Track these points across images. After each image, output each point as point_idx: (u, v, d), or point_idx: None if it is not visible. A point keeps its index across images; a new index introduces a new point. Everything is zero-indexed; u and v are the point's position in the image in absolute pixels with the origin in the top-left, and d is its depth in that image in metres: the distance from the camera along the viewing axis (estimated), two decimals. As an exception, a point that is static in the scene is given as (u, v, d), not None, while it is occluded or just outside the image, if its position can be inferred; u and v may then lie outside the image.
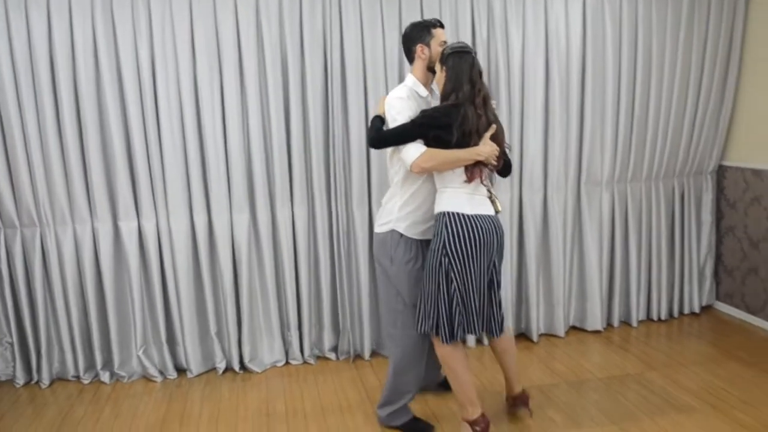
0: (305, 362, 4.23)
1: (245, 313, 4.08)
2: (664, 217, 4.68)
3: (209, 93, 3.84)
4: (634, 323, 4.67)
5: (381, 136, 3.06)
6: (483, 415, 3.15)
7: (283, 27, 3.88)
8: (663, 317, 4.76)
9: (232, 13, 3.80)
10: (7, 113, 3.69)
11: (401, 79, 4.00)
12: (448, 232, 2.95)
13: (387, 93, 3.80)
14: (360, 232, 4.10)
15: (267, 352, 4.18)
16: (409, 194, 3.14)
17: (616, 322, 4.66)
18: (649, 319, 4.77)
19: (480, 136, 2.96)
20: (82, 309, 3.98)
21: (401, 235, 3.14)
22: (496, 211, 3.06)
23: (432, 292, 3.00)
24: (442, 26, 3.23)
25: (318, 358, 4.28)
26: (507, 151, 3.19)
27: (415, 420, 3.39)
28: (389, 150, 3.17)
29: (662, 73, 4.43)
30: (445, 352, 3.08)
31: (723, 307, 4.92)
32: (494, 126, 3.02)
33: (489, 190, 3.08)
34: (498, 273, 3.08)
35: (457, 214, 2.96)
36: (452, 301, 2.97)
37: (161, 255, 3.97)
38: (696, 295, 4.87)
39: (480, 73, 3.00)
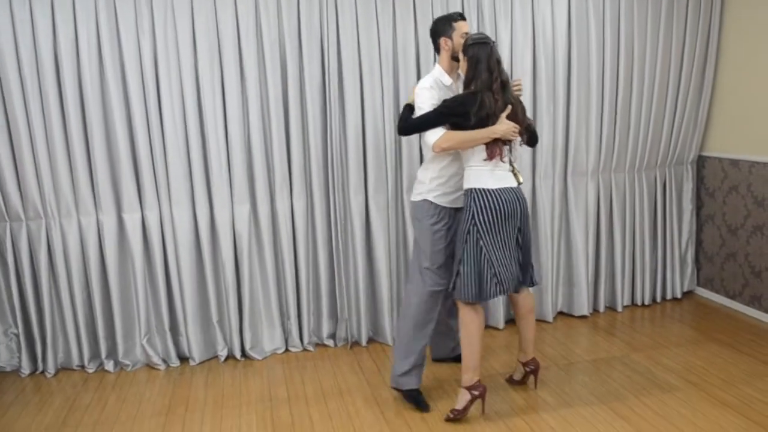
0: (304, 349, 4.37)
1: (246, 302, 4.21)
2: (647, 205, 4.86)
3: (210, 88, 3.95)
4: (620, 308, 4.86)
5: (407, 124, 3.43)
6: (480, 382, 3.39)
7: (281, 24, 3.99)
8: (647, 302, 4.96)
9: (232, 9, 3.91)
10: (12, 108, 3.77)
11: (395, 73, 4.17)
12: (475, 206, 3.25)
13: (382, 87, 4.02)
14: (357, 222, 4.23)
15: (267, 339, 4.31)
16: (439, 169, 3.47)
17: (602, 308, 4.85)
18: (633, 304, 4.96)
19: (498, 118, 3.23)
20: (87, 299, 4.08)
21: (431, 203, 3.48)
22: (519, 183, 3.34)
23: (464, 259, 3.29)
24: (463, 19, 3.50)
25: (317, 345, 4.42)
26: (531, 125, 3.48)
27: (419, 393, 3.62)
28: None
29: (644, 67, 4.60)
30: (467, 315, 3.36)
31: (703, 292, 5.12)
32: (510, 106, 3.28)
33: (511, 164, 3.35)
34: (524, 236, 3.40)
35: (482, 189, 3.26)
36: (482, 265, 3.26)
37: (164, 246, 4.08)
38: (678, 281, 5.06)
39: (498, 61, 3.28)
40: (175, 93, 3.93)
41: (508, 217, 3.27)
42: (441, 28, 3.49)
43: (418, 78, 4.16)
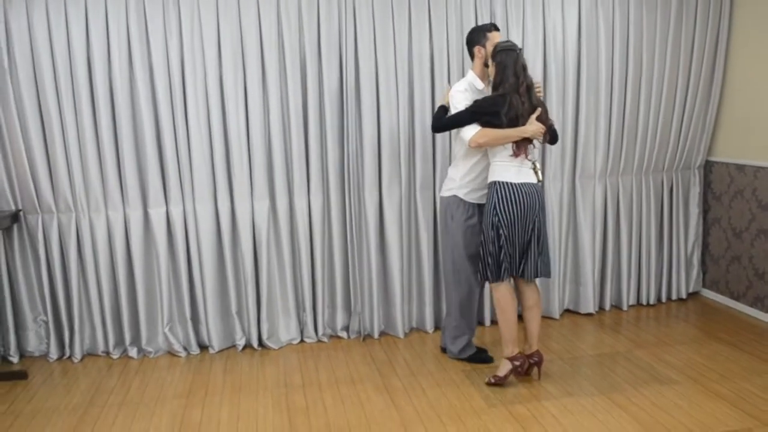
0: (319, 340, 4.55)
1: (264, 294, 4.40)
2: (654, 208, 5.01)
3: (233, 90, 4.16)
4: (625, 307, 5.00)
5: (441, 123, 3.83)
6: (521, 353, 3.79)
7: (302, 29, 4.20)
8: (652, 302, 5.09)
9: (255, 16, 4.12)
10: (47, 107, 4.00)
11: (410, 79, 4.38)
12: (497, 197, 3.62)
13: (397, 92, 4.24)
14: (372, 219, 4.42)
15: (284, 330, 4.50)
16: (468, 167, 3.85)
17: (607, 306, 5.00)
18: (639, 303, 5.10)
19: (526, 119, 3.55)
20: (113, 289, 4.30)
21: (461, 199, 3.88)
22: (538, 180, 3.67)
23: (486, 244, 3.68)
24: (497, 29, 3.81)
25: (331, 336, 4.60)
26: (553, 125, 3.80)
27: (479, 351, 4.17)
28: (453, 132, 3.96)
29: (652, 73, 4.75)
30: (499, 293, 3.75)
31: (709, 294, 5.24)
32: (539, 109, 3.59)
33: (533, 163, 3.67)
34: (539, 229, 3.68)
35: (505, 182, 3.62)
36: (501, 249, 3.63)
37: (187, 239, 4.29)
38: (683, 282, 5.19)
39: (524, 67, 3.61)
40: (200, 95, 4.15)
41: (527, 210, 3.61)
42: (476, 37, 3.82)
43: (432, 83, 4.38)
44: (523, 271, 3.71)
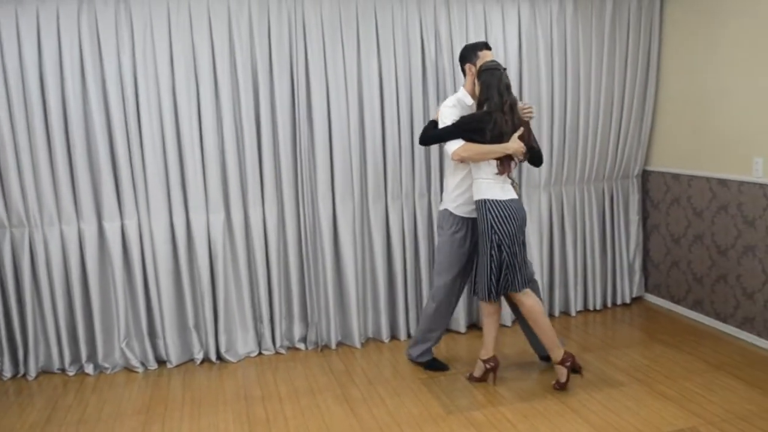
0: (277, 352, 4.58)
1: (221, 306, 4.42)
2: (596, 216, 5.22)
3: (187, 103, 4.18)
4: (573, 313, 5.19)
5: (427, 135, 3.93)
6: (495, 357, 3.98)
7: (253, 44, 4.25)
8: (598, 308, 5.30)
9: (207, 32, 4.16)
10: (-3, 119, 3.95)
11: (360, 91, 4.47)
12: (492, 216, 3.72)
13: (347, 103, 4.36)
14: (326, 231, 4.49)
15: (241, 343, 4.52)
16: (458, 181, 3.96)
17: (557, 312, 5.18)
18: (586, 309, 5.30)
19: (509, 138, 3.67)
20: (68, 305, 4.25)
21: (451, 213, 4.00)
22: (518, 195, 3.84)
23: (485, 264, 3.77)
24: (488, 48, 3.90)
25: (288, 348, 4.64)
26: (536, 146, 3.93)
27: (434, 360, 4.28)
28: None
29: (589, 87, 4.97)
30: (487, 309, 3.90)
31: (651, 298, 5.47)
32: (522, 128, 3.70)
33: (513, 179, 3.83)
34: (524, 243, 3.85)
35: (495, 200, 3.72)
36: (502, 266, 3.75)
37: (143, 253, 4.28)
38: (627, 288, 5.40)
39: (507, 86, 3.72)
40: (153, 108, 4.15)
41: (522, 224, 3.78)
42: (467, 54, 3.93)
43: (381, 97, 4.51)
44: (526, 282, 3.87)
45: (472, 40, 4.59)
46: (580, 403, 3.74)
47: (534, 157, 3.97)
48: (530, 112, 3.87)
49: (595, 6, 4.90)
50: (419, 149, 4.61)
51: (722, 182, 4.63)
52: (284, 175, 4.42)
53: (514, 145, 3.69)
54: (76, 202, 4.15)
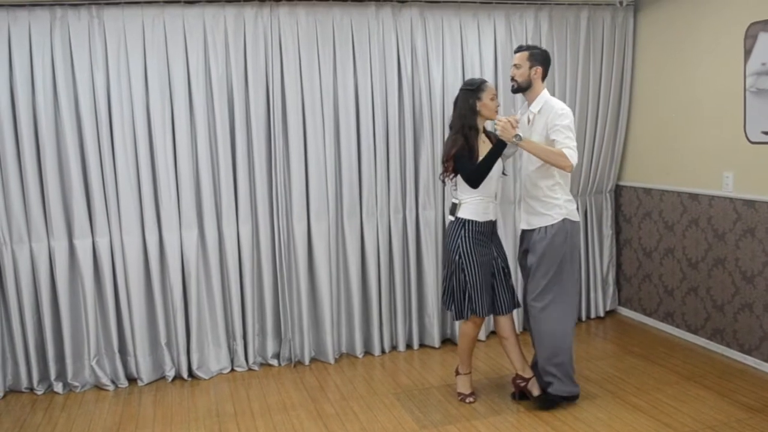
0: (250, 369, 4.55)
1: (193, 323, 4.39)
2: (570, 231, 5.24)
3: (160, 119, 4.18)
4: (546, 327, 5.19)
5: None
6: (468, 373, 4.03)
7: (229, 61, 4.28)
8: (572, 322, 5.31)
9: (182, 48, 4.18)
10: (-34, 136, 3.92)
11: (336, 108, 4.49)
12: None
13: (323, 121, 4.37)
14: (300, 246, 4.48)
15: (214, 360, 4.48)
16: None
17: (530, 326, 5.18)
18: (559, 323, 5.31)
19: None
20: (37, 323, 4.20)
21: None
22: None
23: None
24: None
25: (261, 364, 4.61)
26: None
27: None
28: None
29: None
30: (467, 327, 3.89)
31: (624, 311, 5.52)
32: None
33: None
34: (498, 264, 3.90)
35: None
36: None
37: (114, 270, 4.25)
38: (601, 301, 5.44)
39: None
40: (126, 124, 4.14)
41: (490, 246, 3.87)
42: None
43: (357, 114, 4.53)
44: (492, 308, 3.88)
45: (449, 55, 4.67)
46: (553, 416, 3.75)
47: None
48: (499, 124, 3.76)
49: (569, 23, 4.97)
50: (394, 166, 4.63)
51: (693, 196, 4.70)
52: (259, 191, 4.41)
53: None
54: (47, 220, 4.12)
